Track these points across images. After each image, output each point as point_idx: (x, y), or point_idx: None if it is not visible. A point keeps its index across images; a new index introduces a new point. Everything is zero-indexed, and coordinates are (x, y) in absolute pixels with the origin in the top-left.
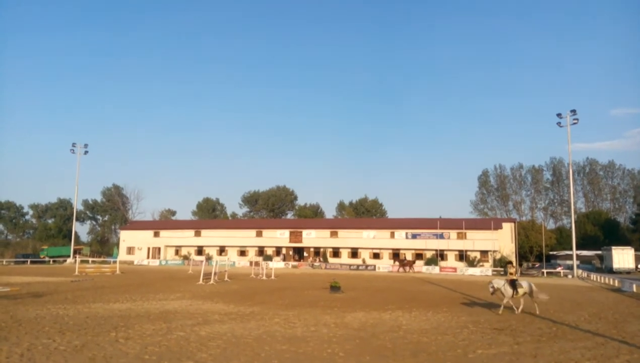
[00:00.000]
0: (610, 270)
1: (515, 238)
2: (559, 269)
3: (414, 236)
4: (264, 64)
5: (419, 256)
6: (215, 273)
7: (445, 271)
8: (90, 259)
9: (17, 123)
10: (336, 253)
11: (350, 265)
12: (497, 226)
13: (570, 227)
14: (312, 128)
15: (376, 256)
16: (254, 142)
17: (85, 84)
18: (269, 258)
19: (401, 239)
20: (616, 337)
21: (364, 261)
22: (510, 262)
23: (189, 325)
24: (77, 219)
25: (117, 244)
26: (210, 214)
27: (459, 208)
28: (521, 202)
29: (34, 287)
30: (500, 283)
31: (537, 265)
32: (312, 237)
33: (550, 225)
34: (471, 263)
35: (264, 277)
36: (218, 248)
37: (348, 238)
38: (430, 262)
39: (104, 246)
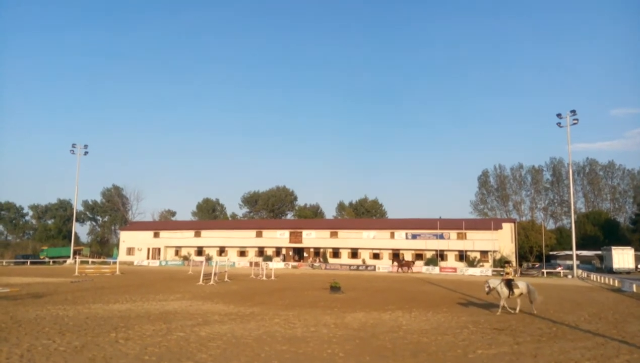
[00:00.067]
0: (610, 270)
1: (515, 238)
2: (559, 269)
3: (414, 236)
4: (264, 64)
5: (419, 256)
6: (215, 274)
7: (445, 271)
8: (90, 260)
9: (17, 123)
10: (336, 253)
11: (350, 266)
12: (497, 226)
13: (570, 227)
14: (312, 128)
15: (376, 256)
16: (254, 143)
17: (85, 84)
18: (268, 258)
19: (401, 239)
20: (616, 337)
21: (363, 261)
22: (508, 262)
23: (188, 325)
24: (77, 220)
25: (117, 245)
26: (210, 215)
27: (459, 208)
28: (521, 202)
29: (33, 287)
30: (495, 283)
31: (537, 266)
32: (312, 238)
33: (550, 225)
34: (471, 263)
35: (264, 278)
36: (218, 248)
37: (348, 238)
38: (430, 262)
39: (103, 247)
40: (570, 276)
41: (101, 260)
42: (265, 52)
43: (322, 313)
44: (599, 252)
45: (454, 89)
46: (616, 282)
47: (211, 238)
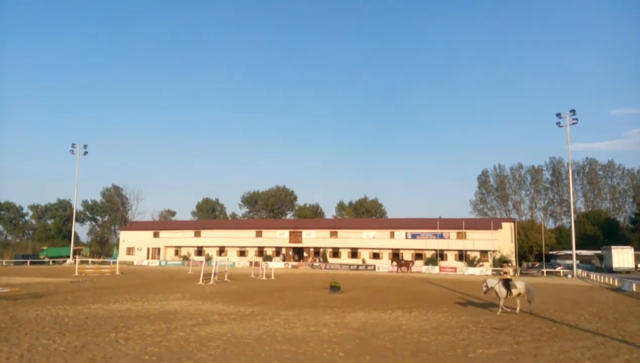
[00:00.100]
0: (609, 270)
1: (515, 238)
2: (558, 269)
3: (414, 236)
4: (264, 64)
5: (418, 256)
6: (215, 274)
7: (445, 271)
8: (90, 260)
9: (16, 123)
10: (336, 253)
11: (350, 265)
12: (497, 226)
13: (570, 227)
14: (312, 128)
15: (376, 256)
16: (254, 143)
17: (84, 85)
18: (268, 258)
19: (401, 239)
20: (616, 336)
21: (363, 261)
22: (507, 262)
23: (188, 325)
24: (76, 220)
25: (117, 245)
26: (209, 215)
27: (459, 208)
28: (521, 202)
29: (33, 287)
30: (493, 282)
31: (537, 265)
32: (311, 237)
33: (550, 225)
34: (471, 263)
35: (264, 277)
36: (218, 248)
37: (348, 238)
38: (430, 262)
39: (103, 247)
40: (570, 276)
41: (101, 260)
42: (265, 52)
43: (322, 313)
44: (598, 252)
45: (454, 89)
46: (616, 281)
47: (211, 238)
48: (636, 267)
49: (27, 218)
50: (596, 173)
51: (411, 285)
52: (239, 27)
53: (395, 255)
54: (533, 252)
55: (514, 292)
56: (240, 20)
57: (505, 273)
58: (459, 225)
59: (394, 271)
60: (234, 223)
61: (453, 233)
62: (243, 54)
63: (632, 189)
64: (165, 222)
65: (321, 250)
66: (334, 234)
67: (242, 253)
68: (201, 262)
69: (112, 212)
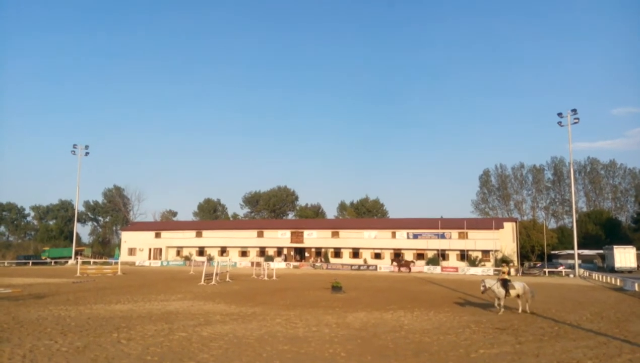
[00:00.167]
0: (612, 270)
1: (516, 237)
2: (560, 268)
3: (415, 236)
4: (264, 64)
5: (420, 256)
6: (216, 274)
7: (446, 271)
8: (92, 260)
9: (17, 124)
10: (337, 253)
11: (351, 266)
12: (499, 226)
13: (572, 227)
14: (312, 128)
15: (377, 256)
16: (255, 143)
17: (85, 85)
18: (270, 258)
19: (402, 239)
20: (618, 336)
21: (365, 261)
22: (506, 262)
23: (190, 325)
24: (78, 220)
25: (119, 245)
26: (211, 215)
27: (460, 208)
28: (522, 202)
29: (35, 288)
30: (491, 282)
31: (538, 265)
32: (313, 238)
33: (552, 224)
34: (473, 263)
35: (266, 278)
36: (219, 248)
37: (349, 238)
38: (432, 262)
39: (105, 247)
40: (572, 275)
41: (103, 260)
42: (265, 52)
43: (324, 313)
44: (600, 251)
45: (454, 88)
46: (618, 281)
47: (212, 238)
48: (638, 266)
49: (28, 219)
50: (598, 172)
51: (413, 285)
52: (239, 27)
53: (397, 256)
54: (535, 251)
55: (512, 292)
56: (240, 20)
57: (504, 273)
58: (460, 225)
59: (395, 271)
60: (236, 224)
61: (455, 233)
62: (243, 54)
63: (634, 188)
64: (167, 223)
65: (323, 250)
66: (335, 234)
67: (243, 253)
68: (203, 262)
69: (114, 212)
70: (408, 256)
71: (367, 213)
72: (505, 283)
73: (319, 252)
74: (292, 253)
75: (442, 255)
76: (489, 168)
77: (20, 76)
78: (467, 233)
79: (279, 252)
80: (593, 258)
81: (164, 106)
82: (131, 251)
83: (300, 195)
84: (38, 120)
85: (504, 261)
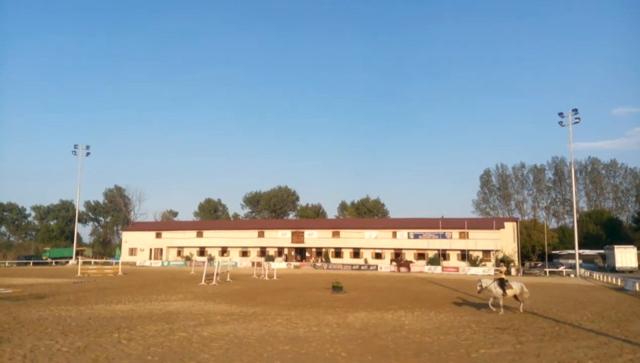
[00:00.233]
0: (612, 269)
1: (517, 237)
2: (561, 268)
3: (416, 236)
4: (263, 64)
5: (421, 256)
6: (217, 274)
7: (447, 271)
8: (93, 260)
9: (18, 124)
10: (338, 253)
11: (352, 265)
12: (499, 226)
13: (573, 226)
14: (312, 128)
15: (378, 256)
16: (255, 143)
17: (85, 85)
18: (271, 258)
19: (403, 239)
20: (619, 336)
21: (366, 261)
22: (503, 262)
23: (191, 325)
24: (79, 221)
25: (119, 245)
26: (212, 215)
27: (461, 208)
28: (523, 202)
29: (36, 288)
30: (488, 282)
31: (539, 265)
32: (314, 237)
33: (553, 224)
34: (473, 262)
35: (266, 278)
36: (220, 249)
37: (350, 238)
38: (433, 261)
39: (106, 247)
40: (572, 275)
41: (103, 260)
42: (265, 52)
43: (325, 313)
44: (601, 251)
45: (454, 88)
46: (619, 280)
47: (213, 238)
48: (639, 266)
49: (29, 219)
50: (599, 172)
51: (413, 285)
52: (238, 27)
53: (397, 255)
54: (536, 251)
55: (509, 292)
56: (240, 20)
57: (501, 272)
58: (461, 225)
59: (395, 271)
60: (236, 224)
61: (455, 233)
62: (243, 54)
63: (634, 188)
64: (168, 223)
65: (323, 250)
66: (336, 234)
67: (244, 253)
68: (203, 262)
69: (115, 212)
70: (409, 256)
71: (367, 213)
72: (502, 283)
73: (319, 252)
74: (292, 253)
75: (443, 255)
76: (490, 168)
77: (20, 76)
78: (467, 233)
79: (280, 252)
80: (594, 258)
81: (164, 106)
82: (132, 251)
83: (300, 195)
84: (38, 120)
85: (502, 261)
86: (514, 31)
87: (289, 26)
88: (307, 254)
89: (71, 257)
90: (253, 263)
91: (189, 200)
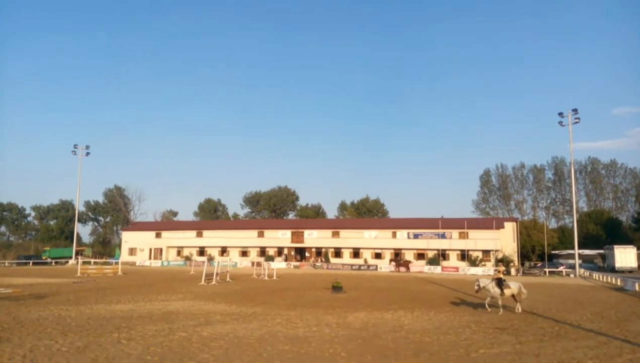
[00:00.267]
0: (612, 269)
1: (517, 237)
2: (561, 268)
3: (416, 236)
4: (263, 64)
5: (420, 256)
6: (217, 274)
7: (447, 271)
8: (92, 260)
9: (18, 124)
10: (338, 253)
11: (352, 265)
12: (499, 225)
13: (573, 226)
14: (312, 128)
15: (378, 256)
16: (255, 143)
17: (85, 85)
18: (270, 258)
19: (403, 239)
20: (619, 336)
21: (365, 261)
22: (501, 261)
23: (191, 325)
24: (79, 220)
25: (119, 245)
26: (211, 215)
27: (461, 208)
28: (523, 202)
29: (36, 288)
30: (486, 282)
31: (539, 265)
32: (313, 237)
33: (552, 224)
34: (473, 262)
35: (266, 278)
36: (220, 248)
37: (350, 238)
38: (432, 261)
39: (105, 247)
40: (572, 275)
41: (103, 260)
42: (265, 52)
43: (324, 313)
44: (601, 251)
45: (454, 88)
46: (619, 280)
47: (213, 238)
48: (639, 266)
49: (29, 219)
50: (598, 172)
51: (413, 285)
52: (238, 27)
53: (396, 255)
54: (535, 251)
55: (507, 292)
56: (239, 20)
57: (499, 272)
58: (461, 225)
59: (395, 271)
60: (236, 224)
61: (455, 233)
62: (243, 54)
63: (634, 188)
64: (168, 223)
65: (323, 250)
66: (335, 234)
67: (244, 253)
68: (203, 262)
69: (114, 212)
70: (408, 256)
71: (367, 213)
72: (500, 283)
73: (319, 252)
74: (292, 253)
75: (443, 255)
76: (490, 168)
77: (20, 76)
78: (467, 233)
79: (280, 252)
80: (593, 258)
81: (164, 106)
82: (132, 251)
83: (300, 195)
84: (38, 120)
85: (501, 261)
86: (514, 31)
87: (289, 26)
88: (307, 254)
89: (71, 257)
90: (253, 263)
91: (189, 200)
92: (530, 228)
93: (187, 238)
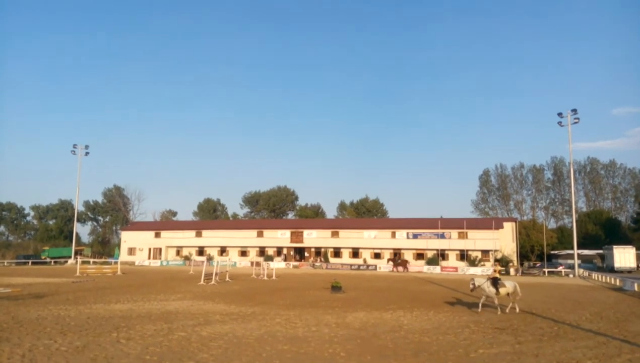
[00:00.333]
0: (611, 269)
1: (516, 237)
2: (560, 268)
3: (415, 236)
4: (263, 64)
5: (420, 256)
6: (216, 274)
7: (446, 271)
8: (92, 260)
9: (17, 124)
10: (337, 253)
11: (351, 265)
12: (498, 226)
13: (572, 226)
14: (312, 128)
15: (377, 256)
16: (254, 143)
17: (85, 85)
18: (270, 258)
19: (402, 239)
20: (618, 336)
21: (365, 261)
22: (498, 261)
23: (190, 325)
24: (78, 220)
25: (118, 245)
26: (211, 215)
27: (460, 208)
28: (522, 202)
29: (35, 288)
30: (481, 281)
31: (538, 265)
32: (313, 237)
33: (552, 224)
34: (472, 263)
35: (265, 278)
36: (219, 248)
37: (349, 238)
38: (432, 261)
39: (105, 247)
40: (571, 275)
41: (102, 260)
42: (265, 52)
43: (324, 313)
44: (600, 251)
45: (454, 89)
46: (618, 281)
47: (212, 238)
48: (638, 266)
49: (28, 218)
50: (598, 172)
51: (412, 285)
52: (238, 27)
53: (394, 255)
54: (534, 251)
55: (502, 291)
56: (239, 20)
57: (495, 271)
58: (460, 225)
59: (396, 270)
60: (235, 224)
61: (454, 233)
62: (243, 54)
63: (633, 188)
64: (167, 222)
65: (322, 250)
66: (335, 234)
67: (243, 253)
68: (202, 262)
69: (114, 212)
70: (408, 256)
71: (366, 213)
72: (495, 282)
73: (318, 251)
74: (291, 253)
75: (442, 255)
76: (489, 168)
77: (20, 76)
78: (466, 233)
79: (279, 251)
80: (593, 258)
81: (164, 106)
82: (131, 251)
83: (300, 195)
84: (38, 120)
85: (497, 260)
86: (514, 31)
87: (289, 26)
88: (306, 254)
89: (70, 257)
90: (252, 263)
91: (188, 200)
92: (529, 229)
93: (187, 238)
